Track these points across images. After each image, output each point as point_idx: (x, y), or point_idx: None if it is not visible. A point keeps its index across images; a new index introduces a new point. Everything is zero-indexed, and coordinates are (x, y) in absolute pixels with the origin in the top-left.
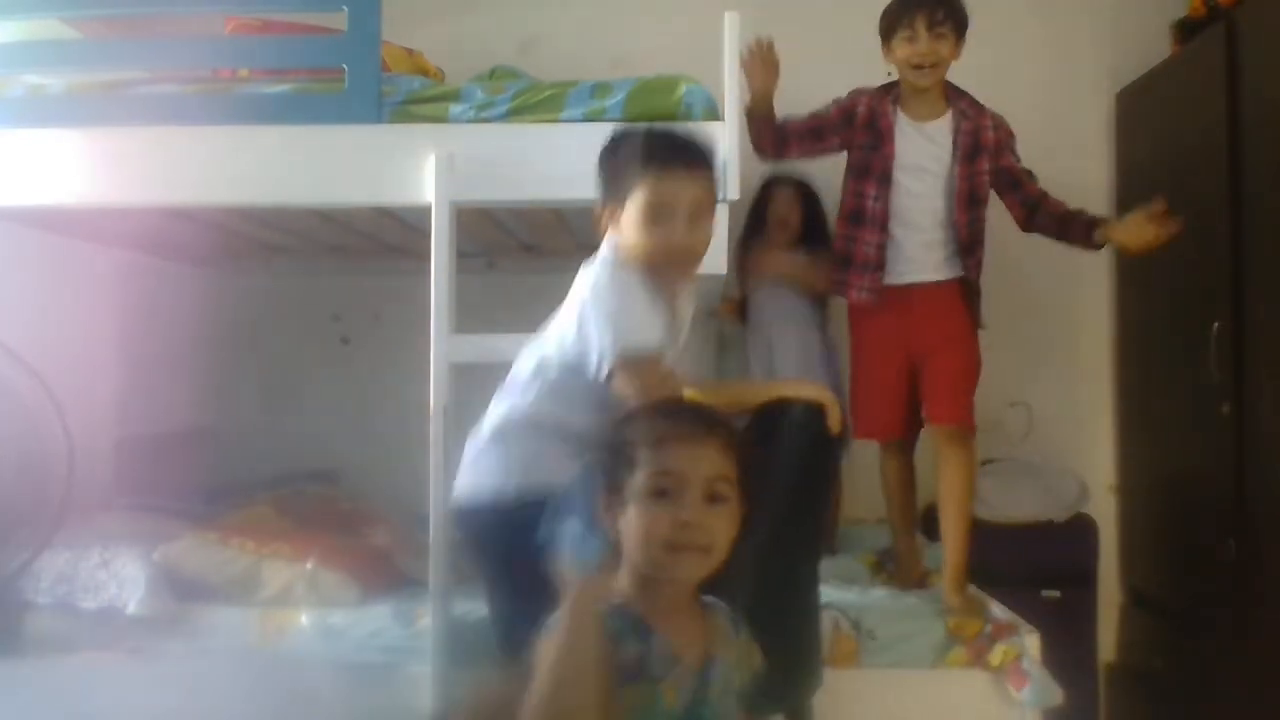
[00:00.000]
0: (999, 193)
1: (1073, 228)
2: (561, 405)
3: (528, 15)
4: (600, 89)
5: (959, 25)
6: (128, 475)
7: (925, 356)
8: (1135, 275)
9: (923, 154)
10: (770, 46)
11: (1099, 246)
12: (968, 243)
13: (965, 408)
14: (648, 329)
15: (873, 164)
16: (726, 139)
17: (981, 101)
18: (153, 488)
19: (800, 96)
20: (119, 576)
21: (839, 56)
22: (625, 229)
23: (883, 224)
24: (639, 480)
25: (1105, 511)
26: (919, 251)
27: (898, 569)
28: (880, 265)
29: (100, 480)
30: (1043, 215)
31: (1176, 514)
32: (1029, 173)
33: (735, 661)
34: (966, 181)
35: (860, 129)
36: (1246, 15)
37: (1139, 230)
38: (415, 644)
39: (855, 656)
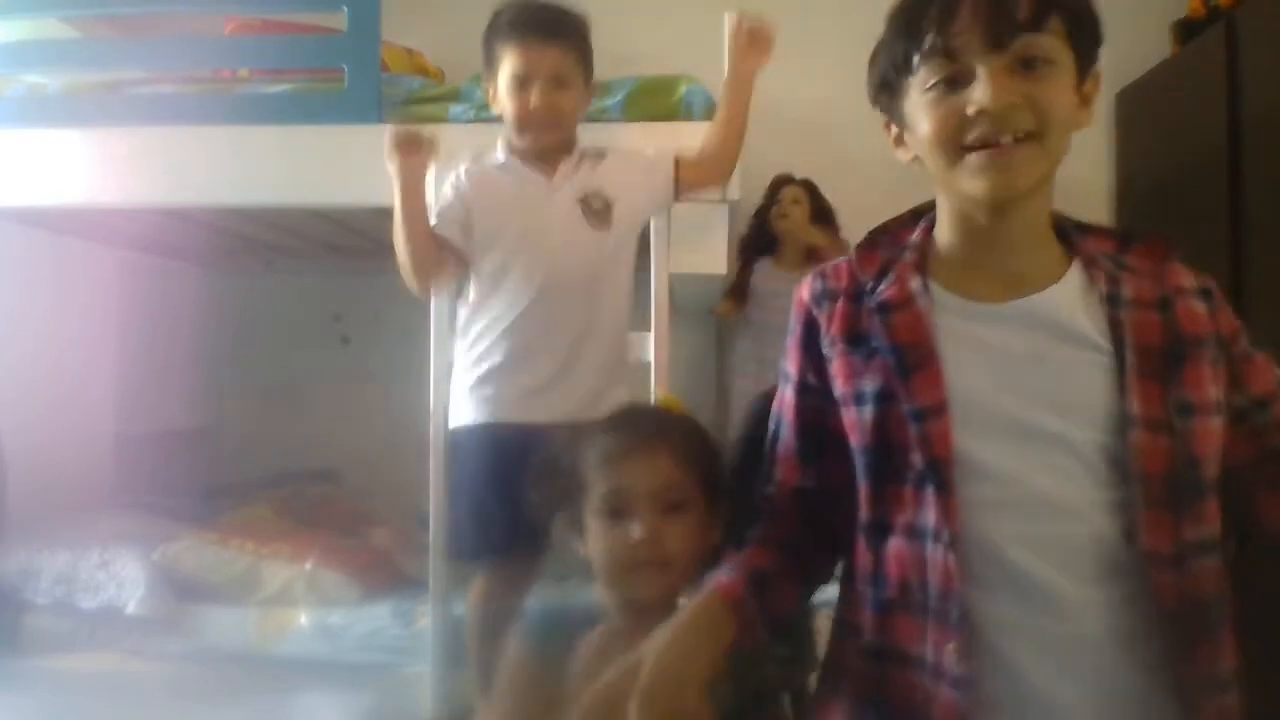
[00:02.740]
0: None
1: None
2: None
3: None
4: (600, 89)
5: (1082, 32)
6: (128, 475)
7: None
8: None
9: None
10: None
11: None
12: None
13: None
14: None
15: (894, 433)
16: None
17: None
18: (153, 487)
19: (801, 97)
20: (118, 576)
21: (840, 56)
22: (500, 99)
23: (948, 591)
24: (592, 502)
25: None
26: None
27: None
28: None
29: (100, 480)
30: None
31: None
32: None
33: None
34: (1163, 436)
35: (846, 354)
36: (1246, 15)
37: None
38: (415, 644)
39: None
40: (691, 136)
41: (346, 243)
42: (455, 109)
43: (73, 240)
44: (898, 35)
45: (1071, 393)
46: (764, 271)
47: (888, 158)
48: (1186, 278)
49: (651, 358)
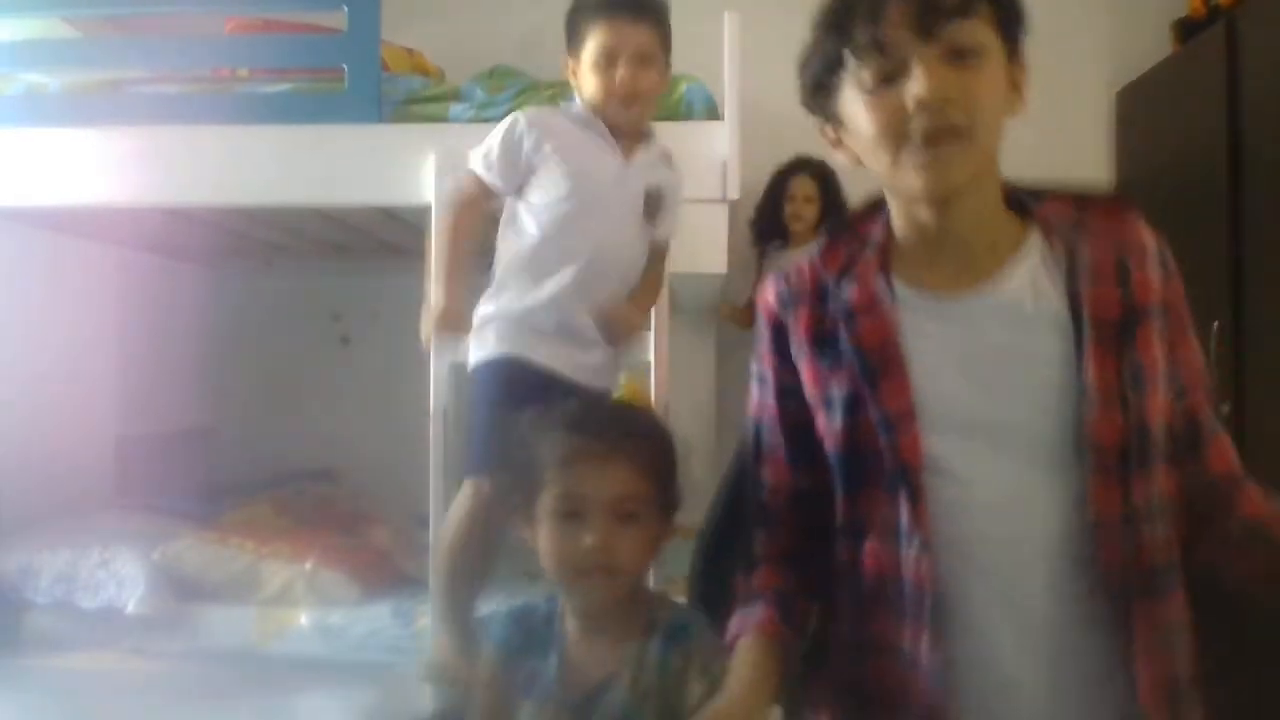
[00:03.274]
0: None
1: None
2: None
3: (528, 14)
4: None
5: (1009, 18)
6: (128, 475)
7: None
8: None
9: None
10: None
11: None
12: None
13: None
14: (489, 157)
15: (864, 439)
16: (726, 139)
17: None
18: (153, 488)
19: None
20: (119, 576)
21: None
22: (580, 77)
23: (921, 589)
24: (547, 501)
25: None
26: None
27: None
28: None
29: (101, 480)
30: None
31: None
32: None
33: (651, 686)
34: (1116, 405)
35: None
36: (1246, 15)
37: None
38: (415, 643)
39: None
40: (691, 136)
41: (346, 242)
42: (455, 108)
43: (73, 239)
44: (828, 33)
45: (1038, 382)
46: (778, 261)
47: None
48: (1147, 236)
49: (651, 357)
